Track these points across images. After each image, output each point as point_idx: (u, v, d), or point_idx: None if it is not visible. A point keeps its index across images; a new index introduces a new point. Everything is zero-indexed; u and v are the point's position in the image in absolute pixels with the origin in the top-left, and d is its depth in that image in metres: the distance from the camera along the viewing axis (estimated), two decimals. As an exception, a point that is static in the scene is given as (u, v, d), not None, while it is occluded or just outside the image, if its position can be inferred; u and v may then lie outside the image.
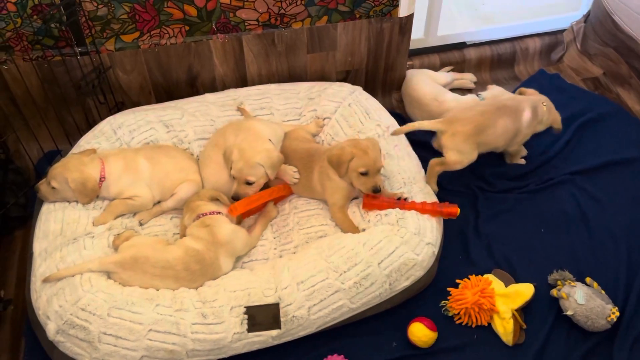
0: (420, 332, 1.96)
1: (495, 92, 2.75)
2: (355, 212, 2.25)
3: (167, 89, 2.65)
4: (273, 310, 1.89)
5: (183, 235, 2.13)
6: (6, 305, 2.14)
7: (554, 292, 2.08)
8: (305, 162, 2.30)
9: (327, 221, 2.26)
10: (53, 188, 2.13)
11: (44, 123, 2.45)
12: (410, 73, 2.91)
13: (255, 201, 2.20)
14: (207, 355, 1.87)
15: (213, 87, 2.68)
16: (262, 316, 1.88)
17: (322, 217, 2.28)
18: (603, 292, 2.05)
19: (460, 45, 3.14)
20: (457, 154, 2.28)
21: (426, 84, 2.81)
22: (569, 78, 3.13)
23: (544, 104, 2.46)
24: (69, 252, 2.00)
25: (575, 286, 2.04)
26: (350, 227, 2.18)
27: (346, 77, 2.82)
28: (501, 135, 2.36)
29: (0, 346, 2.04)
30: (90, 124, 2.51)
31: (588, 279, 2.09)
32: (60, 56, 2.40)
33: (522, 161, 2.59)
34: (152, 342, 1.82)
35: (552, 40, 3.23)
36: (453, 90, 2.93)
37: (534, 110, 2.42)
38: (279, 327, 1.89)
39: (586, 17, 3.23)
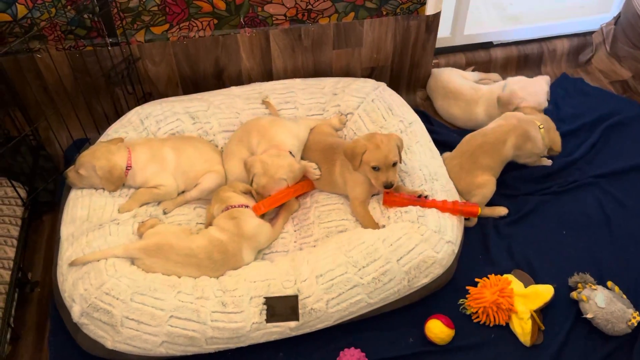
0: (438, 329, 1.96)
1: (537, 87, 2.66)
2: (375, 208, 2.26)
3: (194, 81, 2.69)
4: (292, 302, 1.91)
5: (209, 224, 2.16)
6: (33, 287, 2.19)
7: (574, 294, 2.07)
8: (328, 156, 2.31)
9: (347, 216, 2.27)
10: (81, 175, 2.18)
11: (74, 111, 2.51)
12: (437, 70, 2.92)
13: (279, 200, 2.23)
14: (226, 344, 1.90)
15: (239, 80, 2.71)
16: (281, 307, 1.91)
17: (342, 211, 2.29)
18: (624, 296, 2.03)
19: (487, 45, 3.13)
20: (481, 198, 2.33)
21: (458, 78, 2.84)
22: (597, 81, 3.09)
23: (541, 126, 2.40)
24: (94, 237, 2.05)
25: (596, 289, 2.02)
26: (370, 223, 2.19)
27: (371, 73, 2.83)
28: (494, 167, 2.37)
29: (27, 326, 2.10)
30: (119, 114, 2.56)
31: (609, 283, 2.07)
32: (91, 46, 2.45)
33: (549, 162, 2.56)
34: (172, 328, 1.85)
35: (581, 41, 3.19)
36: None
37: (523, 138, 2.37)
38: (297, 319, 1.91)
39: (616, 19, 3.18)
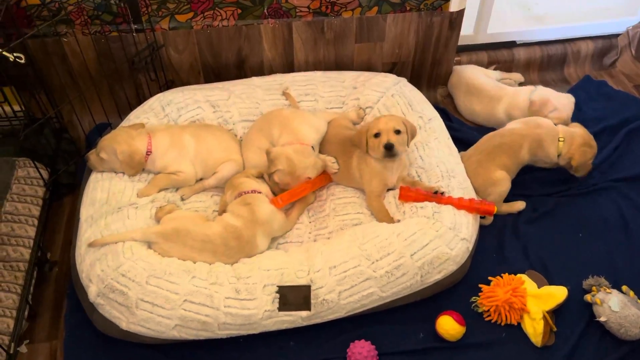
0: (449, 325, 1.96)
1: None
2: (390, 203, 2.26)
3: (215, 70, 2.71)
4: (304, 292, 1.93)
5: (222, 211, 2.18)
6: (52, 267, 2.24)
7: (587, 297, 2.05)
8: (345, 149, 2.32)
9: (362, 209, 2.28)
10: (102, 158, 2.21)
11: (98, 96, 2.54)
12: (460, 67, 2.91)
13: (298, 194, 2.24)
14: (238, 330, 1.92)
15: (260, 71, 2.73)
16: (293, 297, 1.92)
17: (358, 205, 2.30)
18: (639, 301, 2.01)
19: (510, 44, 3.11)
20: (497, 196, 2.33)
21: (481, 75, 2.83)
22: (621, 84, 3.06)
23: (561, 139, 2.36)
24: (113, 220, 2.08)
25: (610, 293, 2.01)
26: (385, 217, 2.19)
27: (392, 68, 2.83)
28: (510, 167, 2.36)
29: (44, 305, 2.14)
30: (141, 100, 2.59)
31: (624, 287, 2.06)
32: (117, 32, 2.48)
33: None
34: (186, 312, 1.88)
35: (606, 44, 3.16)
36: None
37: (536, 144, 2.36)
38: (309, 309, 1.92)
39: (643, 23, 3.14)
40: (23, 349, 2.00)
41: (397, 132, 2.15)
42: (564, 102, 2.61)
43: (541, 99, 2.59)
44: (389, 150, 2.13)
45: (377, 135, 2.16)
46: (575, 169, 2.38)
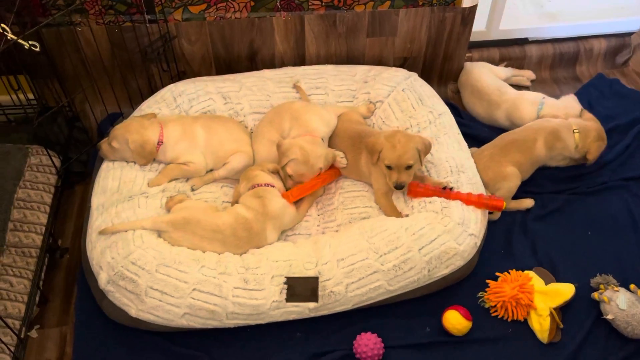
0: (455, 320, 1.97)
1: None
2: (399, 198, 2.27)
3: (227, 62, 2.72)
4: (312, 283, 1.94)
5: (235, 202, 2.20)
6: (63, 254, 2.26)
7: (595, 295, 2.05)
8: (355, 144, 2.32)
9: (371, 203, 2.28)
10: (113, 147, 2.23)
11: (110, 85, 2.56)
12: (470, 65, 2.90)
13: (309, 188, 2.25)
14: (246, 320, 1.94)
15: (272, 63, 2.73)
16: (301, 288, 1.93)
17: (366, 199, 2.30)
18: (647, 300, 2.02)
19: (522, 41, 3.09)
20: (505, 192, 2.33)
21: (488, 76, 2.81)
22: (633, 83, 3.04)
23: (575, 130, 2.39)
24: (124, 208, 2.10)
25: (618, 291, 2.01)
26: (392, 213, 2.20)
27: (403, 63, 2.82)
28: (523, 164, 2.36)
29: (55, 291, 2.16)
30: (153, 90, 2.60)
31: (632, 286, 2.05)
32: (130, 22, 2.50)
33: None
34: (195, 300, 1.89)
35: (619, 42, 3.14)
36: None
37: (553, 137, 2.38)
38: (316, 300, 1.94)
39: (657, 21, 3.12)
40: (33, 333, 2.03)
41: (409, 167, 2.14)
42: (571, 113, 2.59)
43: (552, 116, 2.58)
44: (399, 189, 2.15)
45: (389, 167, 2.14)
46: (590, 161, 2.42)
